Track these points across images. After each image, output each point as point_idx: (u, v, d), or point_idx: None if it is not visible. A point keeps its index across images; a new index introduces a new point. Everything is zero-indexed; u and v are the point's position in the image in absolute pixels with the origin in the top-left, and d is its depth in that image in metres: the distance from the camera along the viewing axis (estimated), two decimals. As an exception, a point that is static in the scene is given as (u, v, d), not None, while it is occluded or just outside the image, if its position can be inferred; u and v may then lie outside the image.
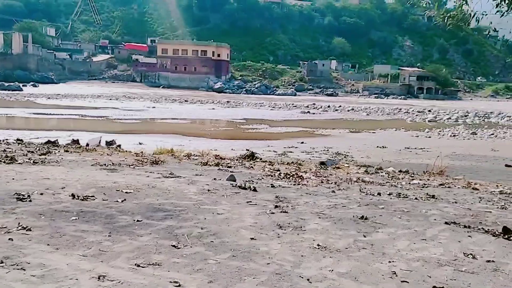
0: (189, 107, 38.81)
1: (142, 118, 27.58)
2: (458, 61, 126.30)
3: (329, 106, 45.55)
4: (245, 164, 7.83)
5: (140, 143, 16.42)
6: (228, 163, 7.66)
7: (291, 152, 15.44)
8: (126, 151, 9.06)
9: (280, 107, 42.96)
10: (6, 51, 76.61)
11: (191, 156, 8.57)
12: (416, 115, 38.67)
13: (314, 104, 48.82)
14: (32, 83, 63.46)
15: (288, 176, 6.49)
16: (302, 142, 18.72)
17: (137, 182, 5.27)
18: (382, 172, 8.16)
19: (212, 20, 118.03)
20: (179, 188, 5.07)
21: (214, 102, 44.35)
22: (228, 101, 45.93)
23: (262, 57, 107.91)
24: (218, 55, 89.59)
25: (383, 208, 4.94)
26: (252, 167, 7.41)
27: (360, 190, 5.94)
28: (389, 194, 5.80)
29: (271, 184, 5.76)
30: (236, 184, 5.19)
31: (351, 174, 7.44)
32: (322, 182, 6.19)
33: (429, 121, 33.75)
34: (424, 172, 8.64)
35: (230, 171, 6.46)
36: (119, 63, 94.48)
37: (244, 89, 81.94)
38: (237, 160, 10.41)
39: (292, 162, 8.77)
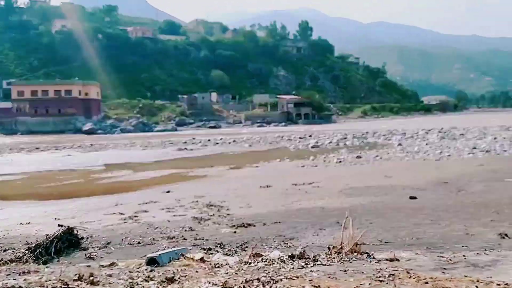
0: (37, 156, 31.73)
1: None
2: (328, 87, 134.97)
3: (209, 140, 42.10)
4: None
5: None
6: None
7: (145, 211, 11.17)
8: None
9: (153, 146, 38.14)
10: None
11: None
12: (299, 142, 37.14)
13: (193, 138, 45.00)
14: None
15: None
16: (168, 191, 14.56)
17: None
18: (258, 264, 4.43)
19: (79, 58, 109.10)
20: None
21: (73, 147, 37.69)
22: (91, 144, 39.55)
23: (138, 93, 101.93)
24: (86, 94, 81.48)
25: None
26: None
27: None
28: None
29: None
30: None
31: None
32: None
33: (312, 147, 32.11)
34: (329, 248, 5.12)
35: None
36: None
37: (119, 128, 75.22)
38: None
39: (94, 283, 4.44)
